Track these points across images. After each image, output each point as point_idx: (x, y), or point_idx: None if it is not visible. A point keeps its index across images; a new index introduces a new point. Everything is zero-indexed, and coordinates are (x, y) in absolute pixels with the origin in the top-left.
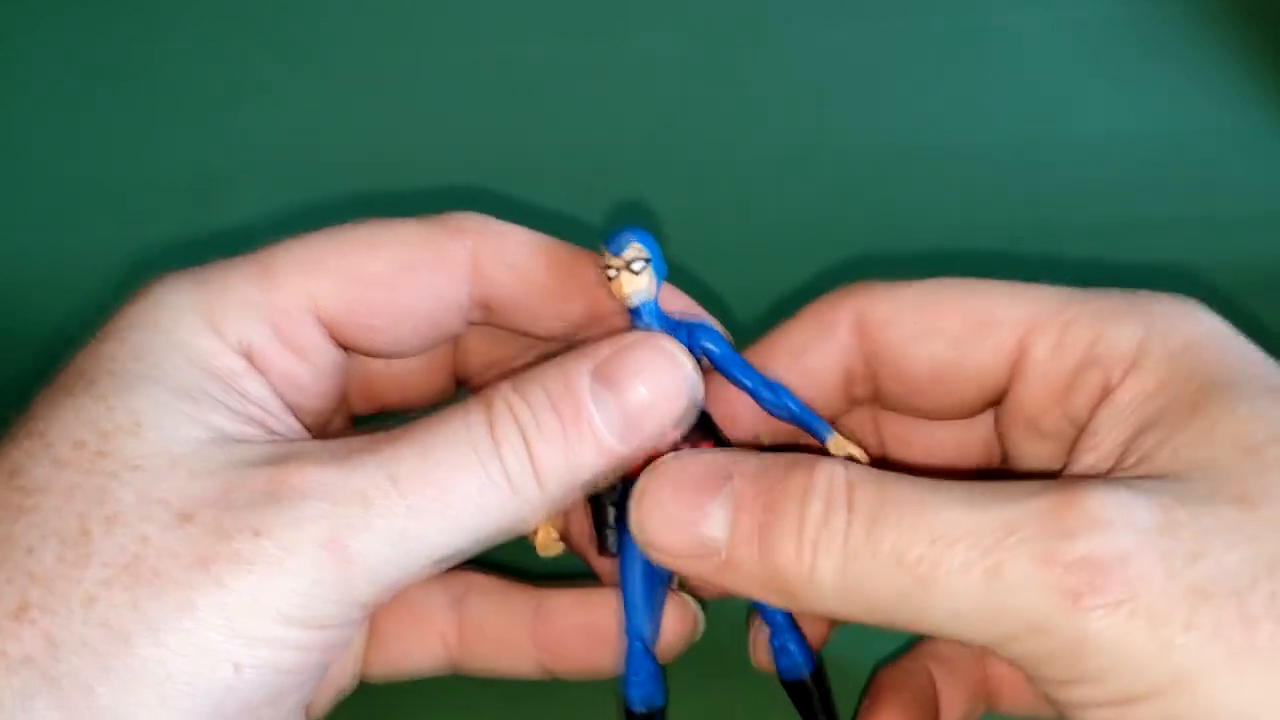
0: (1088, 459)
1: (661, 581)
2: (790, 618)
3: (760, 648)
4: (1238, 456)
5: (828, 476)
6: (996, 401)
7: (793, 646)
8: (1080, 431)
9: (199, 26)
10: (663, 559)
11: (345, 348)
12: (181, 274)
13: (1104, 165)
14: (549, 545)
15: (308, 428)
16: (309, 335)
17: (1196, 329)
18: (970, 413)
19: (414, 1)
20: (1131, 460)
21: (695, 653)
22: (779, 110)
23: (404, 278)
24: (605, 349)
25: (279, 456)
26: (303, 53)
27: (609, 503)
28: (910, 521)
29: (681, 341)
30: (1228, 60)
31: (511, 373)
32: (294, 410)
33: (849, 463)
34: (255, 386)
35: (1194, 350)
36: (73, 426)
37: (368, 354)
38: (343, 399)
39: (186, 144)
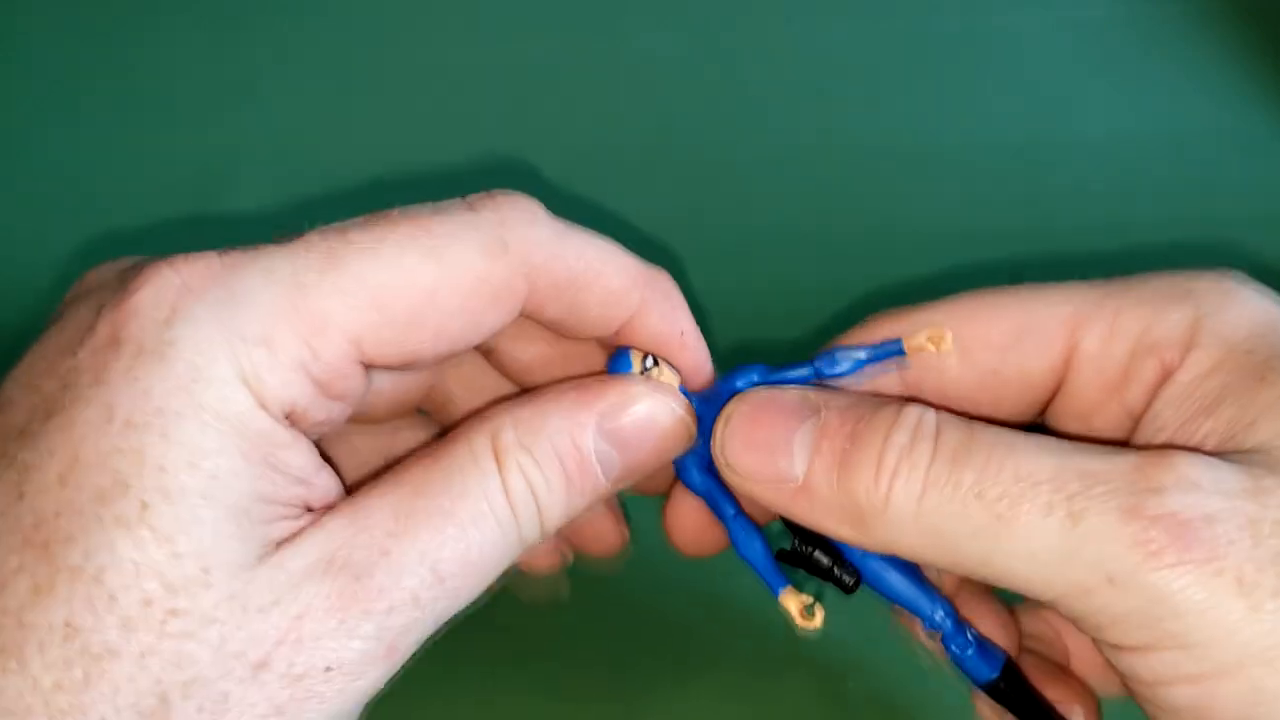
0: (1155, 441)
1: (914, 565)
2: (957, 618)
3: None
4: None
5: (918, 413)
6: (1047, 404)
7: (970, 651)
8: (1136, 422)
9: (199, 26)
10: (738, 482)
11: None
12: (208, 307)
13: (1104, 165)
14: (808, 623)
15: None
16: (352, 382)
17: (1246, 304)
18: (1021, 420)
19: (413, 1)
20: (1206, 439)
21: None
22: (779, 110)
23: (460, 319)
24: (610, 399)
25: (330, 563)
26: (303, 53)
27: (812, 552)
28: (996, 460)
29: (725, 398)
30: (1228, 61)
31: (510, 399)
32: (315, 433)
33: (938, 409)
34: (295, 456)
35: (1249, 324)
36: (136, 578)
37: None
38: None
39: (186, 143)
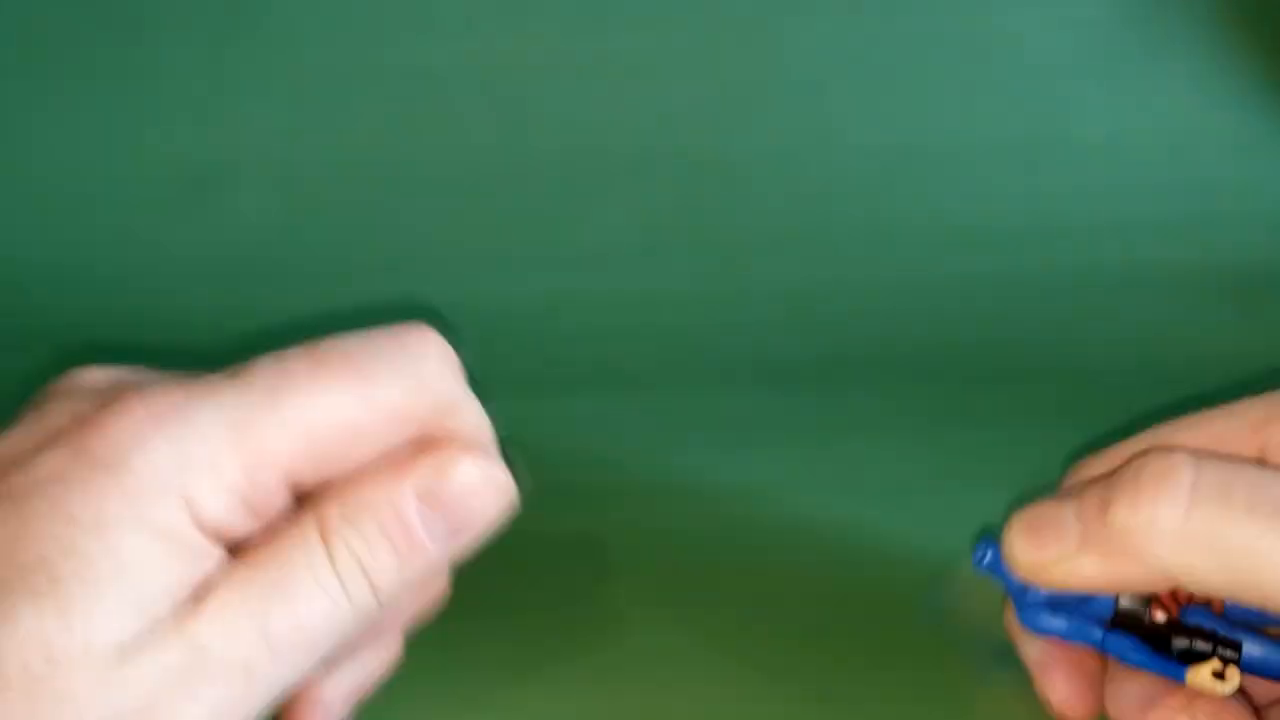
0: None
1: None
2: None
3: None
4: None
5: (1164, 453)
6: None
7: None
8: None
9: (197, 24)
10: (1033, 573)
11: None
12: (166, 438)
13: (1102, 166)
14: (1226, 685)
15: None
16: (276, 501)
17: None
18: None
19: (408, 1)
20: None
21: None
22: (775, 110)
23: (376, 447)
24: (426, 468)
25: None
26: (300, 51)
27: (1191, 644)
28: (1265, 477)
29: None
30: (1227, 61)
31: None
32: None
33: None
34: (210, 566)
35: None
36: (24, 644)
37: None
38: None
39: (183, 142)
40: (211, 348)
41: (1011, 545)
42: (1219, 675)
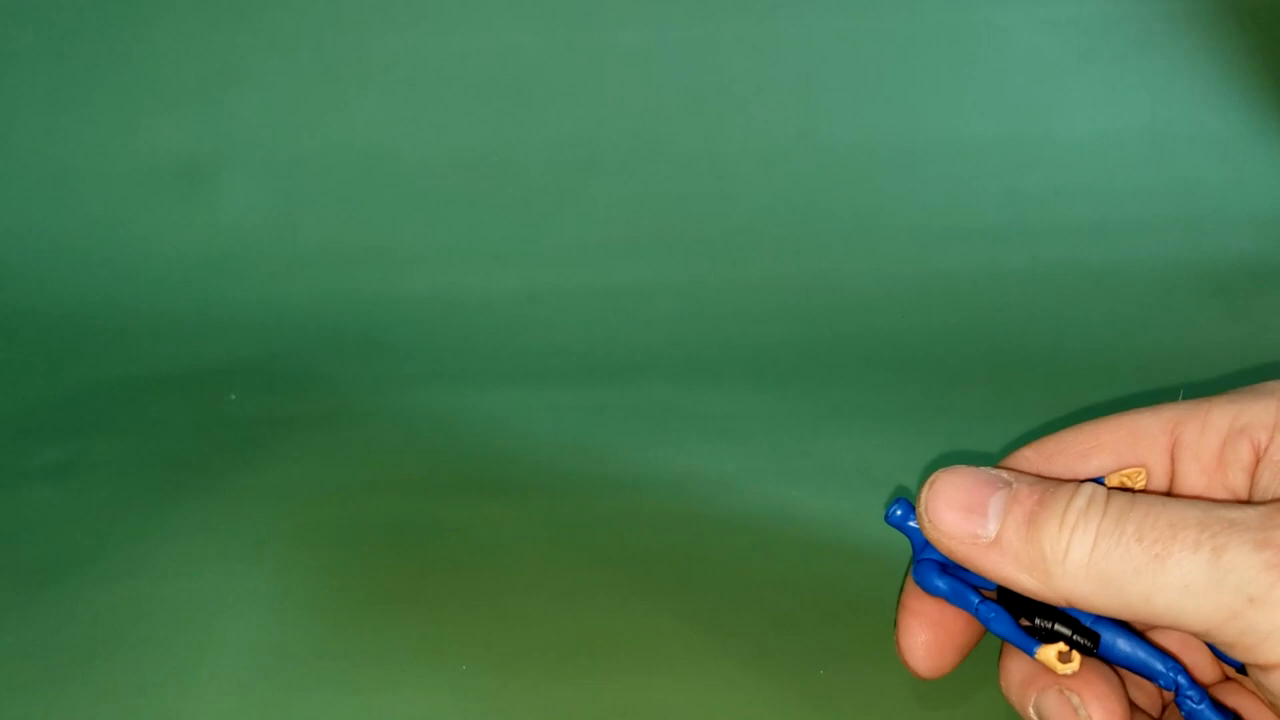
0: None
1: (1136, 633)
2: (1189, 674)
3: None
4: None
5: (1091, 487)
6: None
7: (1204, 704)
8: (1247, 500)
9: (188, 14)
10: (938, 538)
11: None
12: None
13: (1085, 164)
14: (1067, 666)
15: None
16: None
17: None
18: None
19: None
20: None
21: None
22: (762, 105)
23: None
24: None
25: None
26: (290, 41)
27: (1053, 625)
28: (1153, 513)
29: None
30: (1211, 61)
31: None
32: None
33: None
34: None
35: None
36: None
37: None
38: None
39: (173, 131)
40: (201, 335)
41: (930, 508)
42: (1064, 657)
